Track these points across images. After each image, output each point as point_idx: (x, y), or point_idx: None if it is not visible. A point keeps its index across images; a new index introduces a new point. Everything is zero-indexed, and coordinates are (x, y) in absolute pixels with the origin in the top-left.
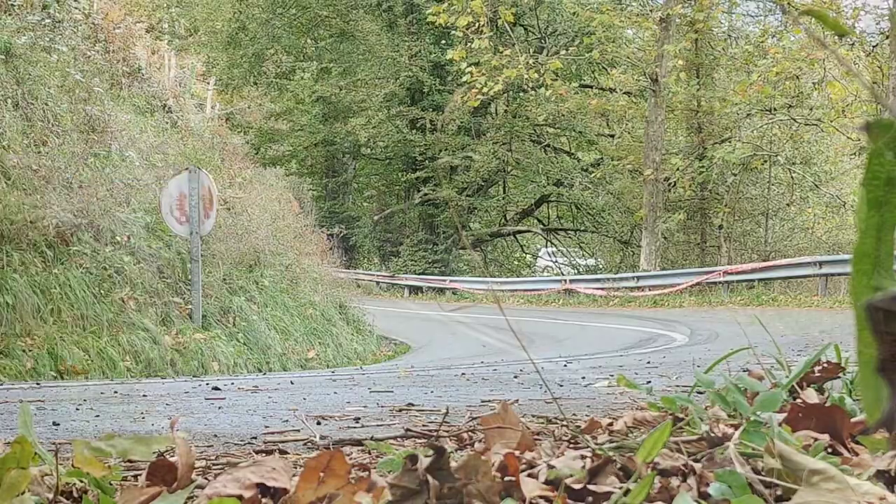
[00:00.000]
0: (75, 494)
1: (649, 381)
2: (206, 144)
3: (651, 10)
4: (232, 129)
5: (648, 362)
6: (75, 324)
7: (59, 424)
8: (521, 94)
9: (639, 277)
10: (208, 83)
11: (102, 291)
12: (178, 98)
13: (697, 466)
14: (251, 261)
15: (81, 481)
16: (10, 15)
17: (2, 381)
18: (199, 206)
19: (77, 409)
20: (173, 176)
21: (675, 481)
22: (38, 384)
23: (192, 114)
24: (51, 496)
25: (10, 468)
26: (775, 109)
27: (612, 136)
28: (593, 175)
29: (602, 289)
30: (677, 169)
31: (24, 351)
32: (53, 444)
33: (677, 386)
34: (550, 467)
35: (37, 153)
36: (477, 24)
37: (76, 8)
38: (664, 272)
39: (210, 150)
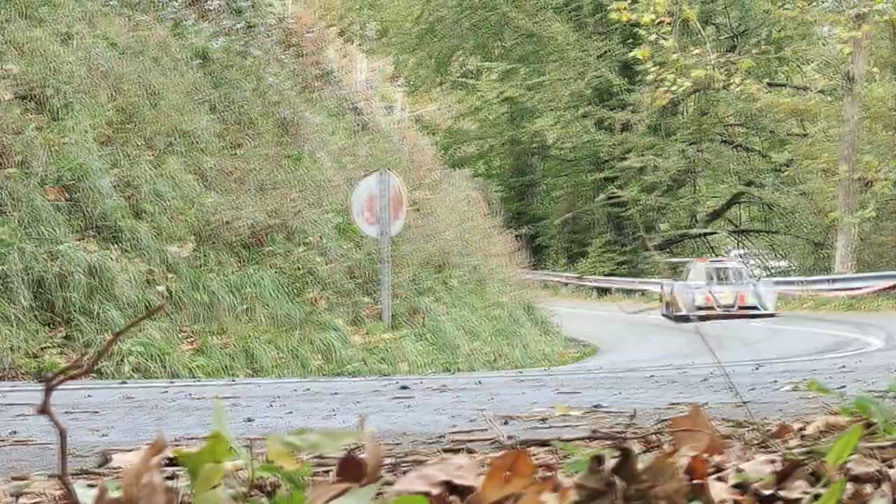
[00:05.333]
0: (268, 488)
1: (843, 386)
2: (394, 146)
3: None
4: (420, 131)
5: (843, 367)
6: (268, 322)
7: (252, 420)
8: (711, 92)
9: (833, 280)
10: (397, 85)
11: (294, 291)
12: (368, 100)
13: (892, 473)
14: (439, 262)
15: (274, 475)
16: (206, 20)
17: (199, 378)
18: (388, 207)
19: (270, 406)
20: (363, 177)
21: (868, 488)
22: (232, 381)
23: (382, 116)
24: (244, 490)
25: (205, 462)
26: None
27: (805, 135)
28: (785, 175)
29: (794, 291)
30: (872, 168)
31: (219, 349)
32: (247, 439)
33: (871, 391)
34: (738, 471)
35: (232, 155)
36: (663, 22)
37: (270, 12)
38: (859, 275)
39: (399, 152)
